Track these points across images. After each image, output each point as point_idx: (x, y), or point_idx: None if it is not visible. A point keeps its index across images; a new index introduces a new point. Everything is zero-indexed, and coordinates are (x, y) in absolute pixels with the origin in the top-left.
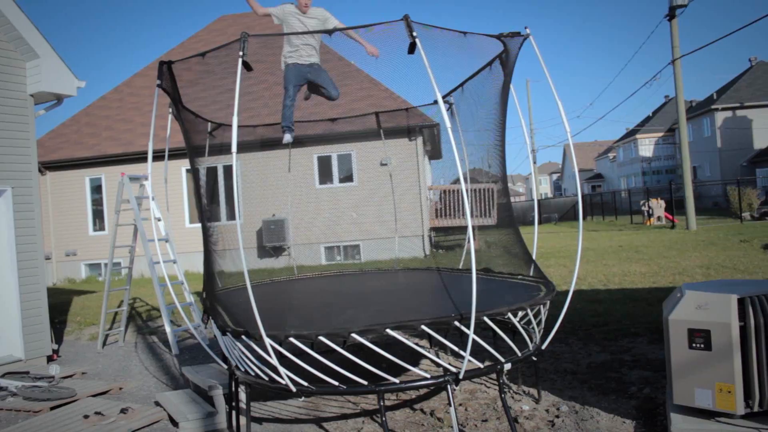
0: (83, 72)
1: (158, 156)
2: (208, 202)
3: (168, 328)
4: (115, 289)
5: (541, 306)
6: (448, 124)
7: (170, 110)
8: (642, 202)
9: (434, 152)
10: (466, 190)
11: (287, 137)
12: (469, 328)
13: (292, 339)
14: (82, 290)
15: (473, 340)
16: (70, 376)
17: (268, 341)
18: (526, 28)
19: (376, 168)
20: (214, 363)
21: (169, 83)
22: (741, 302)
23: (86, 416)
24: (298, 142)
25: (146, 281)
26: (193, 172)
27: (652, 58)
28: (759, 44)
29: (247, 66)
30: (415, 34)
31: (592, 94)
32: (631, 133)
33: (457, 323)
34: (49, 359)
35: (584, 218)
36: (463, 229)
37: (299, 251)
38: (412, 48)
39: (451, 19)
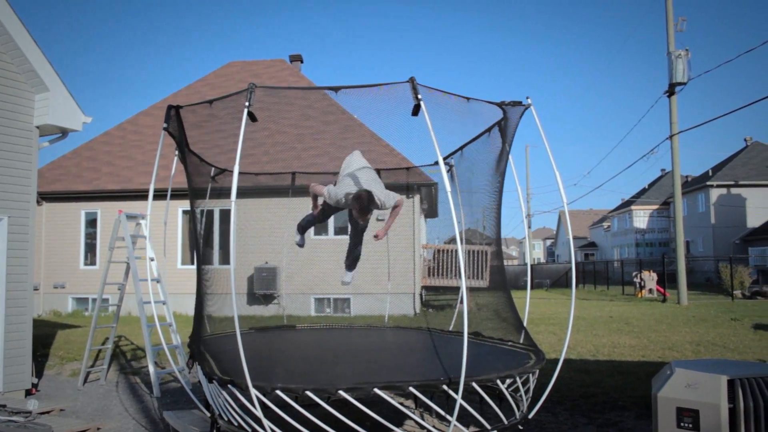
0: (89, 106)
1: (155, 195)
2: (204, 245)
3: (152, 370)
4: (101, 325)
5: (530, 374)
6: (448, 188)
7: (175, 152)
8: (634, 274)
9: (430, 211)
10: (463, 252)
11: (299, 239)
12: (457, 392)
13: (278, 392)
14: (67, 324)
15: (461, 403)
16: (48, 413)
17: (254, 392)
18: (527, 98)
19: (372, 222)
20: (195, 409)
21: (176, 126)
22: (731, 384)
23: None
24: (298, 191)
25: (133, 320)
26: (193, 214)
27: (650, 131)
28: (755, 124)
29: (252, 117)
30: (420, 96)
31: (589, 163)
32: (627, 204)
33: (445, 387)
34: (28, 393)
35: (576, 287)
36: (454, 290)
37: (289, 300)
38: (416, 110)
39: (452, 84)
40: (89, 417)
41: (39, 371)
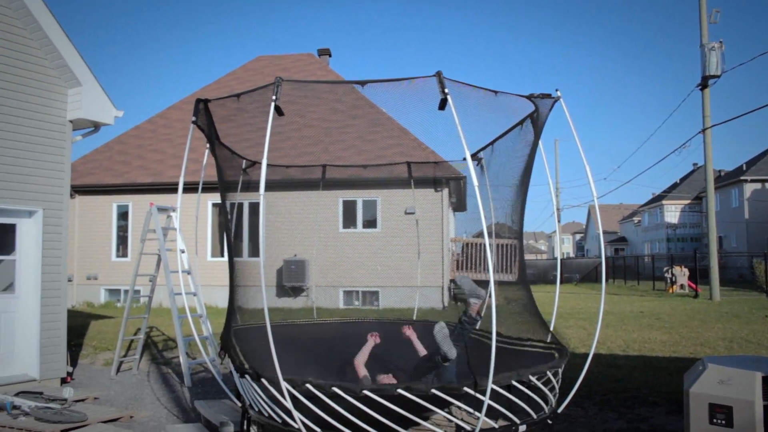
0: (120, 101)
1: (186, 189)
2: (235, 237)
3: (183, 360)
4: (133, 316)
5: (557, 370)
6: (475, 182)
7: (206, 145)
8: (665, 269)
9: (459, 204)
10: (490, 246)
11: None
12: (482, 394)
13: (308, 386)
14: (100, 314)
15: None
16: (83, 400)
17: (285, 385)
18: (557, 90)
19: (400, 216)
20: (226, 398)
21: (205, 120)
22: (766, 380)
23: None
24: (327, 185)
25: (164, 311)
26: (224, 207)
27: (682, 125)
28: None
29: (278, 111)
30: (446, 90)
31: (619, 157)
32: (658, 199)
33: (467, 389)
34: (63, 381)
35: (606, 281)
36: (483, 284)
37: (318, 293)
38: (443, 104)
39: (481, 77)
40: (122, 405)
41: (73, 360)
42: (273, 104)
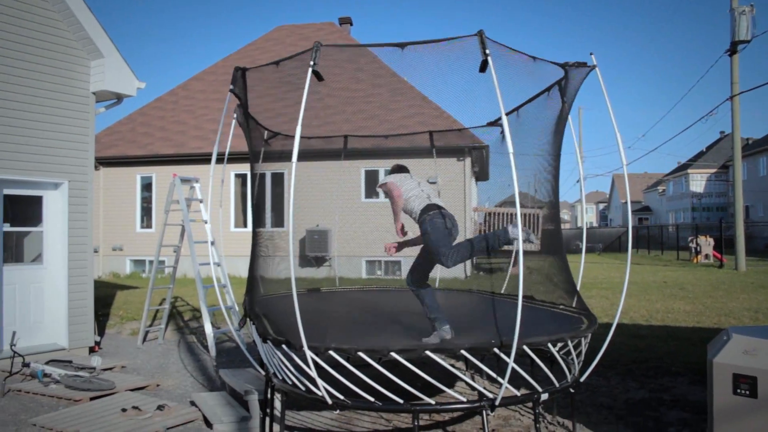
0: (142, 72)
1: (209, 159)
2: (260, 207)
3: (208, 329)
4: (158, 287)
5: (582, 338)
6: (511, 148)
7: (234, 115)
8: (690, 239)
9: (481, 174)
10: (510, 215)
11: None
12: (509, 356)
13: (331, 352)
14: (125, 285)
15: (513, 365)
16: (110, 369)
17: (308, 353)
18: (591, 54)
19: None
20: (251, 368)
21: (242, 88)
22: None
23: (124, 410)
24: (349, 155)
25: (188, 281)
26: (252, 177)
27: (709, 92)
28: None
29: (318, 76)
30: (488, 51)
31: (644, 125)
32: (683, 168)
33: (496, 350)
34: (91, 350)
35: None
36: (505, 253)
37: (341, 263)
38: (484, 66)
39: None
40: (149, 374)
41: (101, 330)
42: (311, 70)
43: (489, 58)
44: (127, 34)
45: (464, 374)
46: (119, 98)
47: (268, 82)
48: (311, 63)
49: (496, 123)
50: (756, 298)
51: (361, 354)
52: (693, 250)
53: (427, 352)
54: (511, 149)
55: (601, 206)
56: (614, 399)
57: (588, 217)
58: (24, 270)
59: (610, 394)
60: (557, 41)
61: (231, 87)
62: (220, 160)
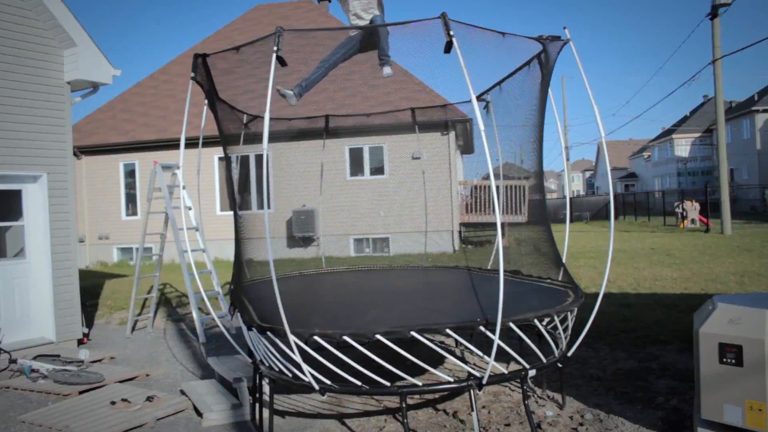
0: (121, 58)
1: (190, 144)
2: (240, 191)
3: (196, 316)
4: (145, 275)
5: (568, 312)
6: (481, 126)
7: (205, 101)
8: (676, 204)
9: (466, 147)
10: (497, 187)
11: (290, 93)
12: (494, 333)
13: (316, 337)
14: (113, 273)
15: (498, 344)
16: (99, 361)
17: (292, 338)
18: (564, 28)
19: (408, 161)
20: (239, 354)
21: (204, 76)
22: None
23: (113, 402)
24: (332, 134)
25: (177, 267)
26: (227, 161)
27: (691, 56)
28: None
29: (281, 61)
30: (452, 33)
31: (628, 92)
32: (667, 133)
33: (482, 328)
34: (80, 342)
35: (616, 218)
36: (493, 226)
37: (328, 242)
38: (448, 47)
39: (486, 17)
40: (138, 364)
41: (89, 321)
42: (274, 55)
43: (454, 39)
44: (101, 20)
45: (454, 349)
46: (95, 87)
47: (249, 63)
48: (275, 48)
49: (480, 98)
50: (741, 261)
51: (346, 338)
52: (679, 216)
53: (413, 333)
54: (482, 127)
55: (588, 174)
56: (603, 370)
57: (575, 185)
58: (6, 265)
59: (600, 365)
60: (542, 8)
61: (192, 75)
62: (192, 145)
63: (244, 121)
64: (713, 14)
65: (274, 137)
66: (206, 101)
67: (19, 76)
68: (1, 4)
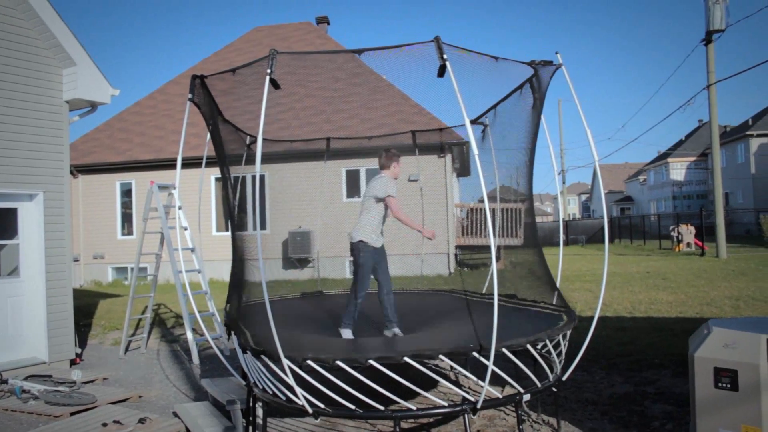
0: (119, 78)
1: (186, 164)
2: (238, 212)
3: (190, 337)
4: (139, 295)
5: (561, 337)
6: (475, 150)
7: (209, 124)
8: (671, 228)
9: (462, 169)
10: (492, 211)
11: (347, 333)
12: (488, 359)
13: (309, 362)
14: (108, 293)
15: (493, 368)
16: (92, 381)
17: (286, 362)
18: (557, 54)
19: (404, 183)
20: (233, 376)
21: (201, 97)
22: None
23: (104, 424)
24: (332, 155)
25: (171, 287)
26: (225, 183)
27: (686, 81)
28: None
29: (274, 84)
30: (445, 56)
31: (624, 116)
32: (663, 157)
33: (476, 354)
34: (72, 363)
35: (612, 241)
36: (488, 249)
37: (324, 264)
38: (441, 71)
39: (482, 44)
40: (131, 385)
41: (83, 341)
42: (268, 78)
43: (447, 63)
44: (101, 40)
45: (449, 373)
46: (93, 106)
47: (247, 84)
48: (268, 71)
49: (476, 121)
50: (737, 285)
51: (339, 363)
52: (675, 239)
53: (406, 359)
54: (476, 151)
55: (584, 197)
56: (599, 394)
57: (570, 208)
58: (0, 284)
59: (595, 389)
60: (535, 33)
61: (189, 96)
62: (196, 165)
63: (247, 142)
64: (707, 40)
65: (272, 158)
66: (208, 123)
67: (17, 94)
68: (1, 23)
